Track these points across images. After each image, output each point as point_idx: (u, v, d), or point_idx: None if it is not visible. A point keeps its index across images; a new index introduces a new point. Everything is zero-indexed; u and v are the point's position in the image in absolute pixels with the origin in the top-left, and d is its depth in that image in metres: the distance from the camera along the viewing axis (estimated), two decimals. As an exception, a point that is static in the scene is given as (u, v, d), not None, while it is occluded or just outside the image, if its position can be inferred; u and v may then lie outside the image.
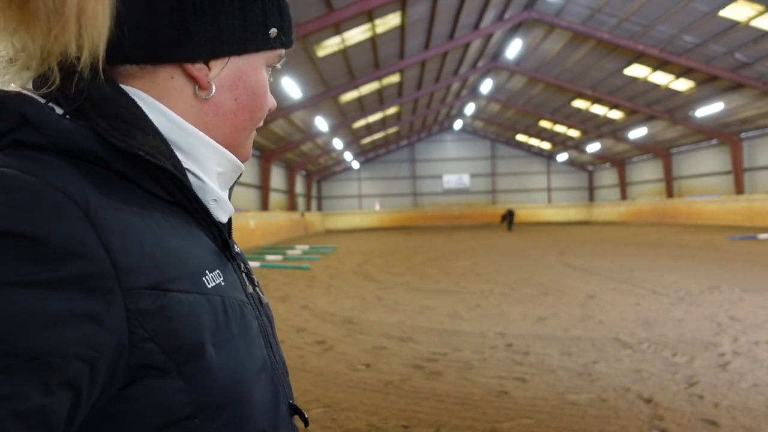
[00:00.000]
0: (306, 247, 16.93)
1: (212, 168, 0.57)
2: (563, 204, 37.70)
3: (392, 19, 14.84)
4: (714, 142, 24.53)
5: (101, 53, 0.46)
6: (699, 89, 19.73)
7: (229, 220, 0.63)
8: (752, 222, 20.78)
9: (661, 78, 19.81)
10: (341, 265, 11.44)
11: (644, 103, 22.87)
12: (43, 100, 0.47)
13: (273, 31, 0.58)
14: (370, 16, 13.75)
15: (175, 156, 0.52)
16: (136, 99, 0.52)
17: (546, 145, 35.98)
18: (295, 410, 0.64)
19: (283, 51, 0.61)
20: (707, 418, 2.82)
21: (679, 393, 3.20)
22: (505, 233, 23.70)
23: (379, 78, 18.46)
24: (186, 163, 0.54)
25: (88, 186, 0.44)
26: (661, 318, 5.20)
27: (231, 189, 0.65)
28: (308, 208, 33.98)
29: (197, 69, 0.54)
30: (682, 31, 15.78)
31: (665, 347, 4.17)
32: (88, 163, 0.47)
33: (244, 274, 0.63)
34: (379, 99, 22.48)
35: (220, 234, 0.58)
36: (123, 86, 0.52)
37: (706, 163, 25.77)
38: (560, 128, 30.91)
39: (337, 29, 13.37)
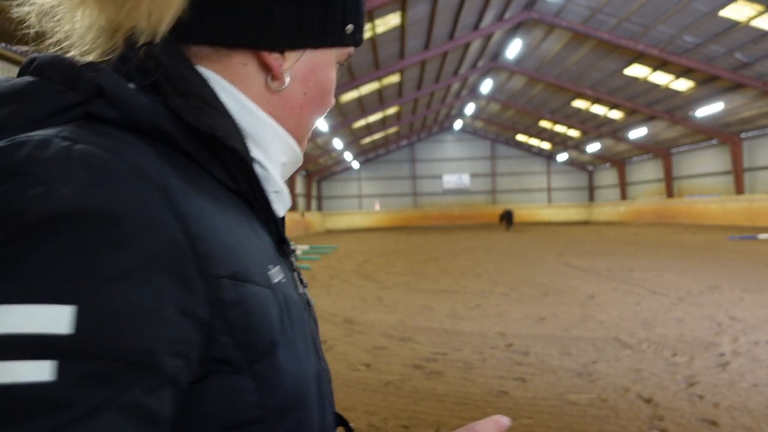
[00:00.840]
0: (306, 247, 16.92)
1: (278, 157, 0.54)
2: (563, 204, 37.69)
3: (392, 19, 14.85)
4: (714, 142, 24.52)
5: (162, 28, 0.44)
6: (699, 89, 19.73)
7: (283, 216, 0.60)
8: (752, 222, 20.78)
9: (661, 78, 19.81)
10: (341, 265, 11.44)
11: (644, 103, 22.87)
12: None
13: (349, 27, 0.55)
14: (370, 16, 13.76)
15: (245, 142, 0.49)
16: (209, 80, 0.49)
17: (546, 145, 35.97)
18: (341, 420, 0.61)
19: (352, 49, 0.58)
20: (707, 418, 2.83)
21: (679, 393, 3.20)
22: (505, 233, 23.71)
23: (379, 78, 18.47)
24: (253, 150, 0.51)
25: (163, 166, 0.41)
26: (661, 318, 5.20)
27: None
28: (308, 208, 33.97)
29: (273, 58, 0.51)
30: (682, 31, 15.78)
31: (665, 347, 4.17)
32: (157, 142, 0.43)
33: (295, 273, 0.59)
34: (379, 99, 22.49)
35: (277, 228, 0.55)
36: (197, 66, 0.49)
37: (706, 163, 25.76)
38: (560, 128, 30.91)
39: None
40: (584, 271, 9.02)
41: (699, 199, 25.21)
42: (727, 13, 14.26)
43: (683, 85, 19.90)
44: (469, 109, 31.79)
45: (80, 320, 0.32)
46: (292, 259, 0.59)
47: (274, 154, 0.54)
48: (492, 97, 28.68)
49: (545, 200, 38.16)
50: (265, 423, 0.43)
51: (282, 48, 0.51)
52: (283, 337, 0.46)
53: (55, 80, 0.42)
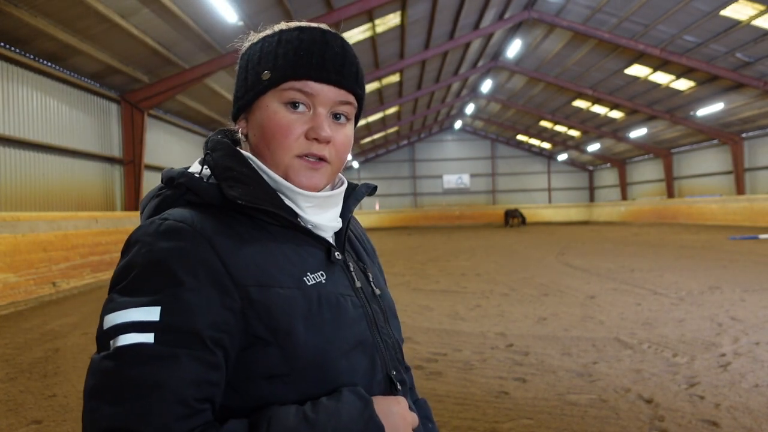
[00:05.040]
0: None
1: (302, 203, 0.77)
2: (563, 204, 37.63)
3: (392, 19, 14.84)
4: (715, 142, 24.48)
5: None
6: (700, 89, 19.70)
7: (345, 231, 0.84)
8: (753, 222, 20.73)
9: (661, 78, 19.78)
10: (341, 265, 11.40)
11: (645, 103, 22.83)
12: (198, 175, 0.75)
13: (265, 73, 0.74)
14: (370, 16, 13.74)
15: (277, 198, 0.74)
16: (251, 161, 0.76)
17: (546, 145, 35.93)
18: (392, 382, 0.80)
19: (295, 82, 0.74)
20: (708, 419, 2.81)
21: (680, 393, 3.19)
22: (505, 233, 23.69)
23: (379, 78, 18.45)
24: (287, 201, 0.76)
25: (215, 225, 0.70)
26: (662, 318, 5.18)
27: (353, 204, 0.88)
28: (308, 208, 33.87)
29: (238, 124, 0.81)
30: (683, 30, 15.75)
31: (666, 347, 4.16)
32: (223, 208, 0.72)
33: (353, 273, 0.81)
34: (379, 99, 22.47)
35: (328, 245, 0.79)
36: (243, 152, 0.77)
37: (706, 163, 25.72)
38: (560, 128, 30.87)
39: (337, 29, 13.17)
40: (584, 271, 9.00)
41: (699, 199, 25.17)
42: (728, 12, 14.23)
43: (684, 84, 19.87)
44: (469, 109, 31.75)
45: (162, 314, 0.62)
46: (349, 262, 0.82)
47: (298, 202, 0.76)
48: (492, 96, 28.64)
49: (545, 200, 38.12)
50: (292, 376, 0.69)
51: (237, 116, 0.80)
52: (308, 321, 0.70)
53: (168, 185, 0.76)
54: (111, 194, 12.80)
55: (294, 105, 0.74)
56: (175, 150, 16.06)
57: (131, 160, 13.02)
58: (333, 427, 0.64)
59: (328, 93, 0.75)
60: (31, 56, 9.85)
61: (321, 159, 0.76)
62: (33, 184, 10.00)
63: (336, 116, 0.78)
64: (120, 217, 11.01)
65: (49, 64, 10.35)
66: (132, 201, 13.03)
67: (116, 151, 12.89)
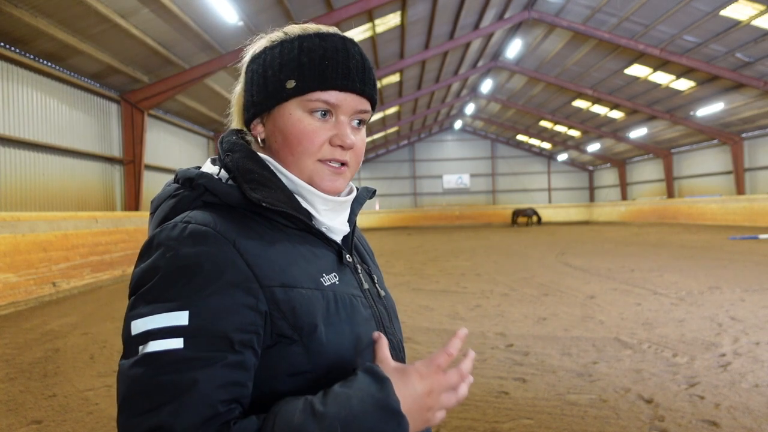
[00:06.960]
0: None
1: (319, 206, 0.79)
2: (563, 204, 37.62)
3: (392, 19, 14.84)
4: (715, 142, 24.48)
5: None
6: (700, 89, 19.70)
7: (352, 235, 0.87)
8: (753, 222, 20.73)
9: (661, 78, 19.78)
10: (341, 265, 11.39)
11: (645, 103, 22.83)
12: (217, 176, 0.76)
13: (290, 82, 0.75)
14: (370, 16, 13.75)
15: (295, 200, 0.77)
16: (269, 164, 0.78)
17: (546, 145, 35.92)
18: None
19: (321, 93, 0.75)
20: (708, 419, 2.81)
21: (680, 393, 3.19)
22: (505, 234, 23.68)
23: (379, 78, 18.44)
24: (304, 203, 0.78)
25: (236, 227, 0.71)
26: (662, 318, 5.19)
27: (357, 208, 0.89)
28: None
29: (253, 127, 0.81)
30: (683, 30, 15.75)
31: (666, 348, 4.16)
32: (241, 209, 0.75)
33: (360, 275, 0.84)
34: (380, 99, 22.47)
35: (339, 247, 0.82)
36: (260, 154, 0.79)
37: (706, 163, 25.72)
38: (560, 128, 30.87)
39: (337, 29, 13.36)
40: (584, 271, 9.00)
41: (699, 199, 25.17)
42: (728, 12, 14.22)
43: (684, 84, 19.86)
44: (469, 109, 31.75)
45: (191, 318, 0.63)
46: (356, 264, 0.86)
47: (316, 205, 0.79)
48: (492, 96, 28.64)
49: (545, 200, 38.12)
50: (314, 373, 0.71)
51: (252, 120, 0.80)
52: (327, 320, 0.73)
53: (186, 186, 0.77)
54: (111, 194, 12.80)
55: (318, 113, 0.76)
56: (175, 150, 16.06)
57: (131, 160, 13.02)
58: (343, 418, 0.59)
59: (351, 102, 0.77)
60: (31, 56, 9.85)
61: (343, 164, 0.79)
62: (33, 184, 10.00)
63: (356, 122, 0.80)
64: (120, 217, 11.00)
65: (49, 64, 10.35)
66: (132, 201, 13.03)
67: (116, 151, 12.89)
